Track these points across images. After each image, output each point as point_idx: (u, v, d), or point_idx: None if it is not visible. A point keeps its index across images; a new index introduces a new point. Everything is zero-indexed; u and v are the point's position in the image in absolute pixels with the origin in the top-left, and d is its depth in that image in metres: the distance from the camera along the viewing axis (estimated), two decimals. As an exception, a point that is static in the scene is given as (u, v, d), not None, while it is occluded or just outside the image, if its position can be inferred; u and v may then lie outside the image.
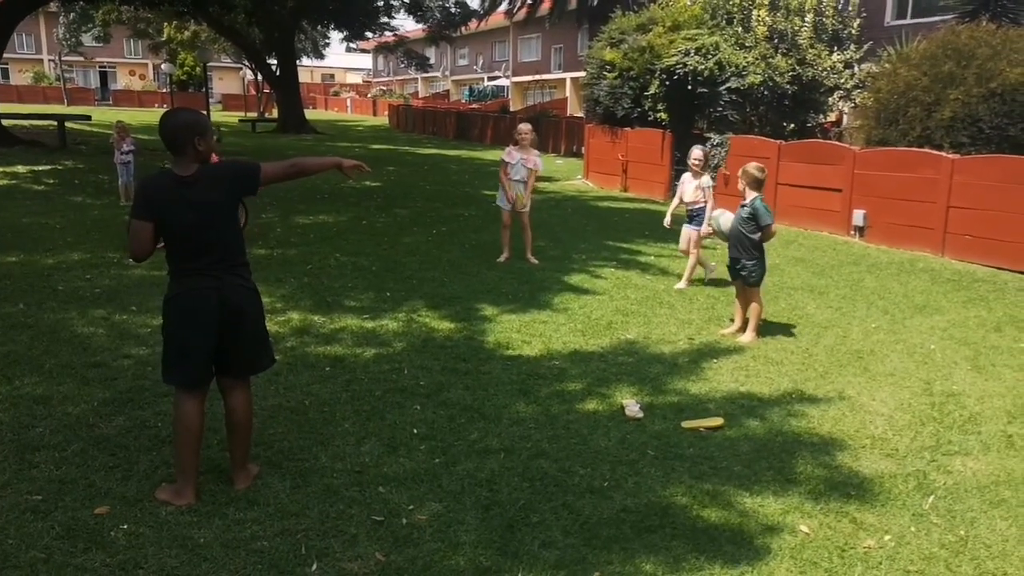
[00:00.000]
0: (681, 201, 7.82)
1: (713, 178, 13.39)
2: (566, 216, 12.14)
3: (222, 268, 3.23)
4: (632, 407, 4.51)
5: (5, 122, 20.60)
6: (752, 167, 6.04)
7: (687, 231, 7.77)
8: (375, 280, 7.44)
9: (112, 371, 4.83)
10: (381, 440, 4.01)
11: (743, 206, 6.01)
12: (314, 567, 2.92)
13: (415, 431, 4.14)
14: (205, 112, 24.12)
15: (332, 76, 75.85)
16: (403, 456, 3.85)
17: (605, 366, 5.30)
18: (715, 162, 13.44)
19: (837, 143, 12.63)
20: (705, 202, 7.59)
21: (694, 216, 7.68)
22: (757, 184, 5.98)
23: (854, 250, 10.23)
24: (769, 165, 12.43)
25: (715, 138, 13.43)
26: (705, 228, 7.44)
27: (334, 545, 3.07)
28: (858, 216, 10.94)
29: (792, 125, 14.48)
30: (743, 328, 6.07)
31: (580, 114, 27.15)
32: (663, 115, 14.51)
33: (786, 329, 6.35)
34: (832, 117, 16.22)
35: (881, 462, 4.01)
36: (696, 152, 7.80)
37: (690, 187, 7.72)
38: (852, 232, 11.09)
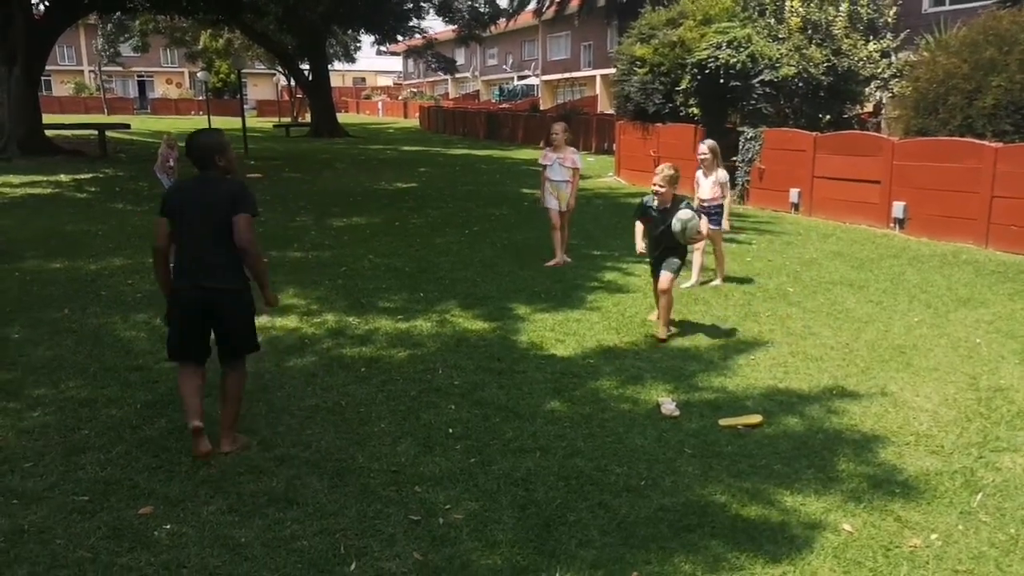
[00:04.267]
0: (699, 200, 7.42)
1: (746, 172, 13.24)
2: (598, 214, 12.07)
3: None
4: (668, 405, 4.47)
5: (48, 132, 21.16)
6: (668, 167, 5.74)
7: (707, 231, 7.47)
8: (408, 281, 7.48)
9: (154, 374, 4.92)
10: (417, 440, 4.03)
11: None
12: (353, 566, 2.94)
13: (450, 431, 4.15)
14: (240, 118, 24.51)
15: (363, 79, 76.54)
16: (439, 456, 3.86)
17: (640, 364, 5.25)
18: (749, 156, 13.27)
19: (875, 134, 12.38)
20: (723, 197, 7.34)
21: (712, 213, 7.28)
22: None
23: (894, 243, 10.01)
24: (804, 158, 12.24)
25: (749, 132, 13.25)
26: (726, 224, 7.30)
27: (372, 544, 3.09)
28: (898, 208, 10.70)
29: (828, 117, 14.20)
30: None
31: (611, 111, 27.00)
32: (695, 110, 14.35)
33: (826, 324, 6.24)
34: (869, 107, 15.89)
35: (926, 459, 3.91)
36: (702, 147, 7.46)
37: (706, 184, 7.44)
38: (892, 224, 10.85)
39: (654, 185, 5.62)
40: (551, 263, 8.17)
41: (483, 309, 6.48)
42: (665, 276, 5.65)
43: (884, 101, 14.94)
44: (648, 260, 6.11)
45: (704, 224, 5.68)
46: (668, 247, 5.69)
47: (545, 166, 8.20)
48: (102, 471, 3.66)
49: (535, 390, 4.74)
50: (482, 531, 3.18)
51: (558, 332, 5.90)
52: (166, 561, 2.96)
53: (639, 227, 5.90)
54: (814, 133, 12.44)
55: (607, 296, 7.01)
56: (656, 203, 5.68)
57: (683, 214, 5.46)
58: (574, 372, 5.05)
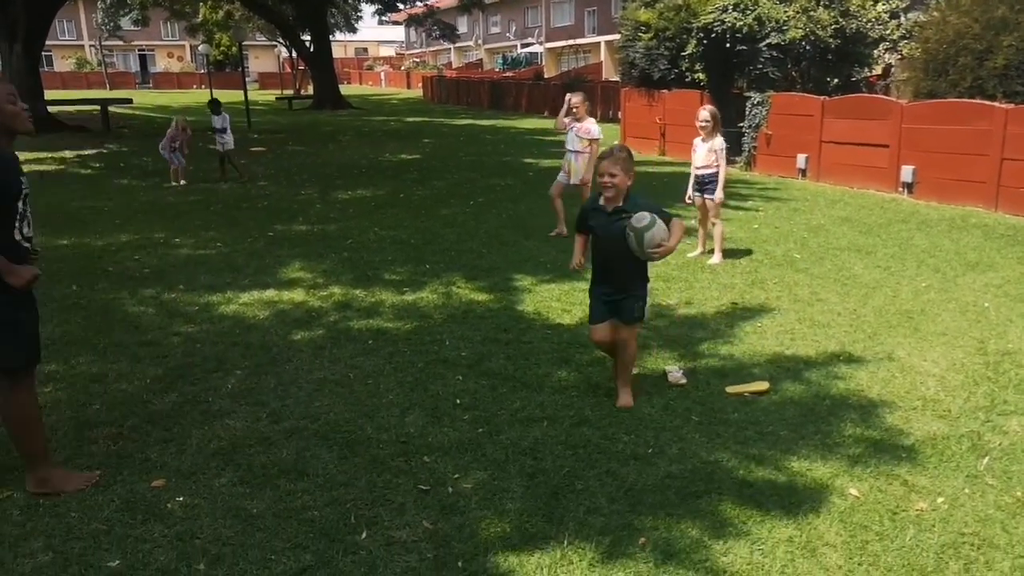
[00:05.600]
0: (694, 168, 7.16)
1: (754, 138, 13.10)
2: (604, 182, 11.99)
3: None
4: (674, 373, 4.47)
5: (51, 108, 21.08)
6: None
7: (700, 202, 7.17)
8: (414, 253, 7.48)
9: (163, 349, 4.95)
10: (425, 411, 4.06)
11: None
12: (364, 535, 2.98)
13: (458, 401, 4.17)
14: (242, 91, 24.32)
15: (365, 50, 75.78)
16: (447, 426, 3.89)
17: (646, 333, 5.25)
18: (756, 121, 13.12)
19: (883, 97, 12.22)
20: (718, 166, 6.95)
21: (707, 183, 7.02)
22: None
23: (903, 207, 9.93)
24: (812, 123, 12.10)
25: (755, 96, 13.09)
26: (719, 194, 6.96)
27: (382, 514, 3.12)
28: (906, 172, 10.60)
29: (836, 80, 14.03)
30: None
31: (615, 78, 26.70)
32: (701, 75, 14.18)
33: (833, 290, 6.21)
34: (878, 70, 15.66)
35: (933, 423, 3.92)
36: (703, 113, 7.01)
37: (702, 150, 7.02)
38: (900, 189, 10.76)
39: (602, 177, 3.88)
40: (554, 233, 8.14)
41: (489, 280, 6.47)
42: (627, 329, 3.95)
43: (893, 63, 14.72)
44: (587, 281, 4.20)
45: (673, 233, 3.79)
46: (622, 267, 3.90)
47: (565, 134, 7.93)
48: (114, 445, 3.70)
49: (542, 360, 4.75)
50: (491, 500, 3.21)
51: (564, 302, 5.89)
52: (179, 532, 3.00)
53: (579, 240, 4.17)
54: (822, 97, 12.29)
55: (613, 265, 6.98)
56: (604, 201, 3.92)
57: (638, 219, 3.73)
58: (581, 342, 5.06)
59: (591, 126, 7.87)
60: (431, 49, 63.11)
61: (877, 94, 13.11)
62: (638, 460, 3.54)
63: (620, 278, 3.96)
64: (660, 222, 3.74)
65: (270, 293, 6.15)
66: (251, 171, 13.15)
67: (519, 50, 50.57)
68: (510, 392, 4.29)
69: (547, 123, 20.34)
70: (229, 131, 12.10)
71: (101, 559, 2.84)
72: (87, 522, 3.07)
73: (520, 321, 5.48)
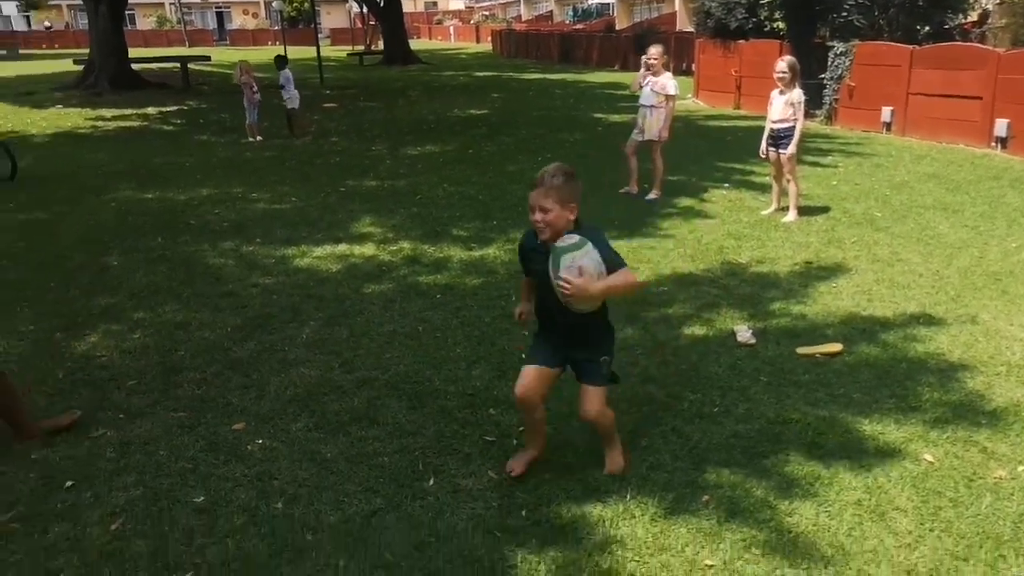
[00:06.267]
0: (769, 122, 6.86)
1: (838, 89, 12.51)
2: (676, 138, 11.70)
3: None
4: (744, 333, 4.40)
5: (135, 66, 21.80)
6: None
7: (775, 156, 6.89)
8: (482, 208, 7.51)
9: (242, 299, 5.16)
10: (491, 364, 4.12)
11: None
12: (431, 482, 3.08)
13: (523, 356, 4.20)
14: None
15: (435, 3, 75.25)
16: (512, 380, 3.91)
17: (716, 291, 5.17)
18: (838, 73, 12.53)
19: (978, 45, 11.46)
20: (795, 119, 6.64)
21: (782, 138, 6.73)
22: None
23: (995, 163, 9.37)
24: (899, 74, 11.48)
25: (839, 46, 12.48)
26: (793, 148, 6.63)
27: (449, 462, 3.22)
28: (1001, 126, 9.97)
29: (927, 28, 13.21)
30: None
31: (690, 29, 25.81)
32: (780, 24, 13.58)
33: (915, 250, 5.96)
34: (974, 16, 14.66)
35: (1016, 390, 3.75)
36: (781, 64, 6.68)
37: (778, 103, 6.72)
38: (993, 144, 10.15)
39: (532, 212, 2.79)
40: (624, 191, 8.02)
41: (556, 236, 6.45)
42: (591, 394, 2.95)
43: (991, 9, 13.74)
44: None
45: (611, 277, 2.74)
46: (569, 319, 2.87)
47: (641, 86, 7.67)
48: (198, 389, 3.91)
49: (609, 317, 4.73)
50: (554, 453, 3.26)
51: (632, 260, 5.84)
52: (259, 472, 3.17)
53: (524, 284, 3.19)
54: (911, 46, 11.61)
55: (682, 223, 6.86)
56: (542, 237, 2.81)
57: (566, 238, 2.75)
58: (648, 300, 5.02)
59: (667, 81, 7.56)
60: (500, 2, 62.19)
61: (971, 42, 12.31)
62: (703, 419, 3.53)
63: (571, 332, 2.94)
64: (593, 250, 2.71)
65: (342, 247, 6.29)
66: (322, 127, 13.37)
67: (590, 1, 49.33)
68: (576, 348, 4.30)
69: (618, 77, 19.94)
70: (292, 87, 12.24)
71: (187, 495, 3.03)
72: (174, 460, 3.27)
73: (587, 278, 5.46)
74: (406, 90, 20.80)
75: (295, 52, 28.61)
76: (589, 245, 2.73)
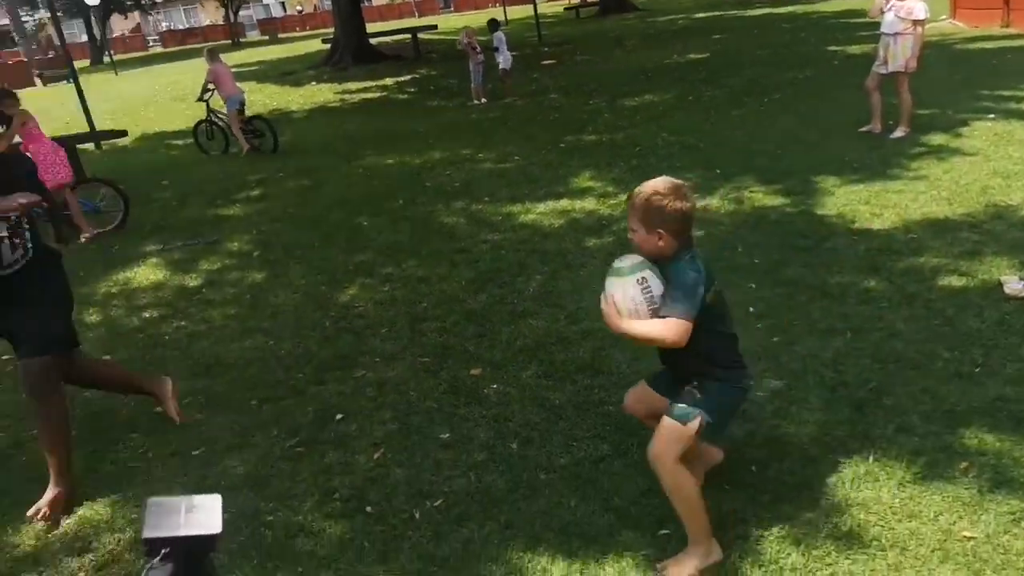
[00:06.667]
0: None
1: None
2: (926, 66, 10.38)
3: None
4: (1014, 284, 3.89)
5: (372, 40, 23.58)
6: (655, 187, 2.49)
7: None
8: (703, 158, 7.27)
9: (473, 255, 5.50)
10: (717, 317, 4.03)
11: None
12: (657, 432, 3.12)
13: (751, 309, 4.07)
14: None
15: (651, -54, 72.69)
16: (740, 333, 3.83)
17: (977, 237, 4.60)
18: None
19: None
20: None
21: None
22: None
23: None
24: None
25: None
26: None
27: (675, 414, 3.23)
28: None
29: None
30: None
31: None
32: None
33: None
34: None
35: None
36: None
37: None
38: None
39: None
40: (865, 129, 7.30)
41: (785, 184, 6.09)
42: (659, 428, 2.43)
43: None
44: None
45: (652, 322, 2.32)
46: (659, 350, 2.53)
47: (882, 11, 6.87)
48: (440, 337, 4.26)
49: (846, 268, 4.42)
50: (787, 409, 3.15)
51: (874, 205, 5.36)
52: (495, 415, 3.41)
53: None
54: None
55: (936, 162, 6.14)
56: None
57: (625, 257, 2.45)
58: (894, 248, 4.60)
59: (914, 3, 6.66)
60: (722, -65, 58.43)
61: None
62: (961, 379, 3.20)
63: (676, 361, 2.51)
64: (634, 285, 2.33)
65: (563, 203, 6.44)
66: (541, 84, 13.61)
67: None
68: (808, 301, 4.08)
69: (855, 3, 17.99)
70: (504, 49, 12.52)
71: (435, 431, 3.35)
72: (422, 400, 3.62)
73: (820, 226, 5.12)
74: (622, 39, 20.45)
75: (514, 12, 29.24)
76: (637, 276, 2.33)
